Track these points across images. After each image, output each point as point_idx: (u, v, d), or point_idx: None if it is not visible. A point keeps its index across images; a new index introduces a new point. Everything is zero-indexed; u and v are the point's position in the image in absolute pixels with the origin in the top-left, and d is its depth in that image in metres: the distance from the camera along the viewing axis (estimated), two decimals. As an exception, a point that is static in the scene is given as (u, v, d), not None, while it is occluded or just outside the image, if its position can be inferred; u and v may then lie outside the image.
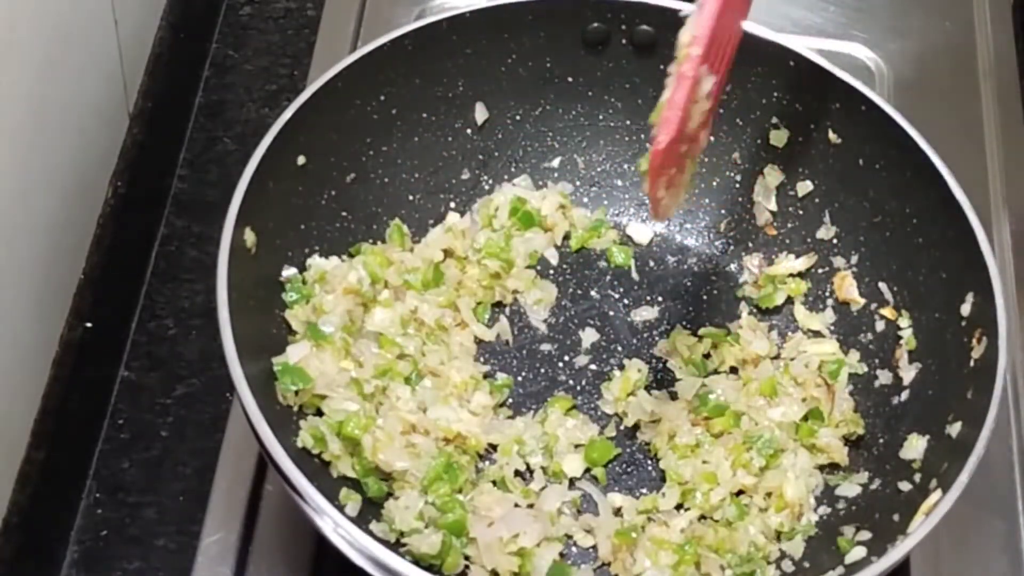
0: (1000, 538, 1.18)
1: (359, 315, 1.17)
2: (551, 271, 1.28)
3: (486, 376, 1.20)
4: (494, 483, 1.13)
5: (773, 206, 1.27)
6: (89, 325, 1.23)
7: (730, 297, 1.27)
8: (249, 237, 1.10)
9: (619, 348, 1.24)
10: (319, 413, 1.10)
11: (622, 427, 1.19)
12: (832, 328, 1.23)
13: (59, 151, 1.20)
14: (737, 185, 1.28)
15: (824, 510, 1.13)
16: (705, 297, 1.27)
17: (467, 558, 1.07)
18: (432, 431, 1.13)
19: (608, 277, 1.28)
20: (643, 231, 1.30)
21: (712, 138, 1.18)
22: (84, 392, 1.22)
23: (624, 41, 1.25)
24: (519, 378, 1.21)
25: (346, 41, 1.45)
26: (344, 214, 1.21)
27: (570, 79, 1.27)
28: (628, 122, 1.29)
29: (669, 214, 1.14)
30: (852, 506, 1.12)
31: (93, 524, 1.18)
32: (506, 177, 1.29)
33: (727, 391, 1.18)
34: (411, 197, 1.26)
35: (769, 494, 1.13)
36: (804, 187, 1.25)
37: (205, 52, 1.48)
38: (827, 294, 1.24)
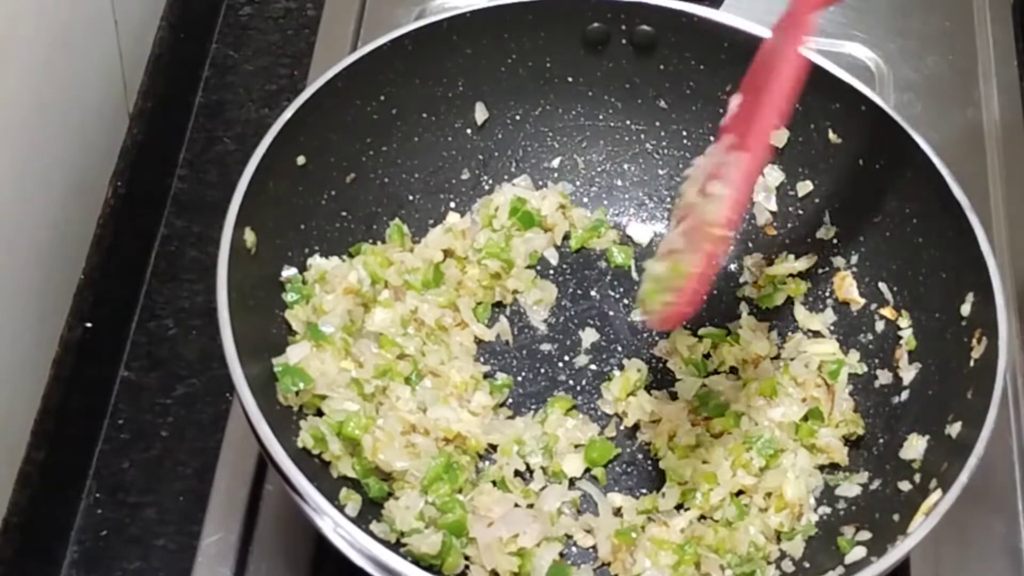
0: (1000, 538, 1.18)
1: (359, 315, 1.17)
2: (551, 271, 1.28)
3: (486, 376, 1.20)
4: (494, 483, 1.13)
5: (773, 206, 1.27)
6: (89, 325, 1.23)
7: (730, 297, 1.27)
8: (249, 237, 1.10)
9: (619, 348, 1.23)
10: (319, 413, 1.10)
11: (622, 427, 1.19)
12: (832, 328, 1.23)
13: (59, 151, 1.20)
14: (737, 185, 1.28)
15: (824, 510, 1.13)
16: (705, 297, 1.26)
17: (467, 558, 1.07)
18: (432, 431, 1.12)
19: (608, 277, 1.28)
20: (643, 231, 1.30)
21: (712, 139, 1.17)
22: (84, 392, 1.22)
23: (624, 41, 1.25)
24: (519, 378, 1.21)
25: (346, 41, 1.45)
26: (344, 214, 1.21)
27: (570, 79, 1.27)
28: (628, 122, 1.29)
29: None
30: (852, 506, 1.12)
31: (93, 524, 1.18)
32: (506, 177, 1.29)
33: (727, 391, 1.18)
34: (411, 197, 1.26)
35: (769, 494, 1.13)
36: (804, 187, 1.25)
37: (205, 52, 1.48)
38: (827, 294, 1.24)
